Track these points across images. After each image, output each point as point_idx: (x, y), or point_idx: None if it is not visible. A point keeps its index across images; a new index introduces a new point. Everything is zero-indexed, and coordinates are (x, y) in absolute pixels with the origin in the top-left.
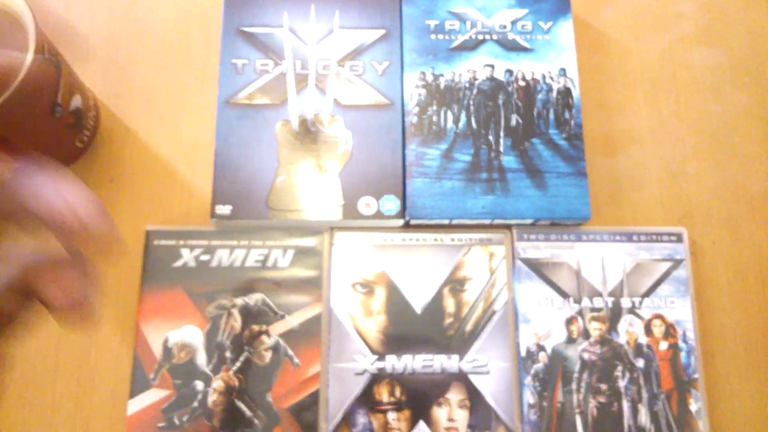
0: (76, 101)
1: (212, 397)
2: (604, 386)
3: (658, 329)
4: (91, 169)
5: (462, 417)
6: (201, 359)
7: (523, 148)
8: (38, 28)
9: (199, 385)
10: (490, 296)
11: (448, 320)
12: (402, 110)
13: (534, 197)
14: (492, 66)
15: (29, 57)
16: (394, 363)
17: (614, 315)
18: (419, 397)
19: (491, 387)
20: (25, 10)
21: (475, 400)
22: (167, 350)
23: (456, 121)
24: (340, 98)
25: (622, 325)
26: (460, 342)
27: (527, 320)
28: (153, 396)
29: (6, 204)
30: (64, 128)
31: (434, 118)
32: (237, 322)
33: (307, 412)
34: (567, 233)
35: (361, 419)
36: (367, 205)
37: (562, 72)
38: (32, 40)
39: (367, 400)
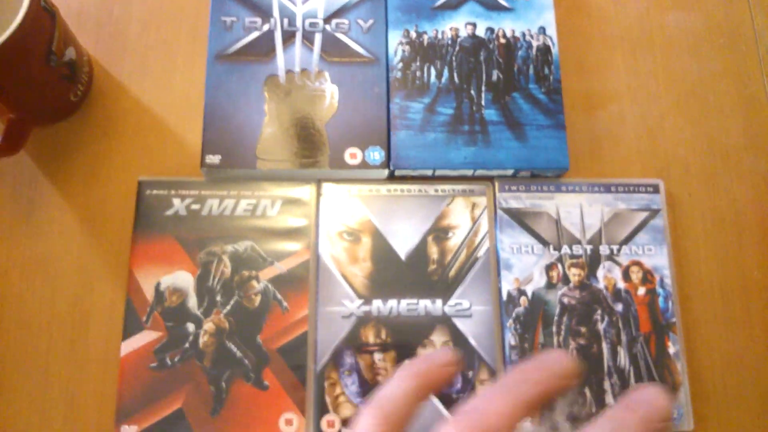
0: (70, 53)
1: (203, 339)
2: (583, 329)
3: (635, 275)
4: (86, 123)
5: None
6: (192, 303)
7: (503, 101)
8: None
9: (191, 327)
10: (473, 244)
11: (432, 266)
12: (386, 66)
13: (514, 148)
14: (474, 24)
15: (25, 3)
16: (379, 307)
17: (593, 261)
18: (404, 339)
19: (474, 329)
20: None
21: (458, 341)
22: (159, 294)
23: (439, 76)
24: (326, 54)
25: (601, 272)
26: (443, 287)
27: (508, 266)
28: (145, 338)
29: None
30: (59, 79)
31: (418, 74)
32: (227, 267)
33: (295, 352)
34: (547, 184)
35: (348, 359)
36: (352, 155)
37: (542, 30)
38: None
39: (353, 341)
